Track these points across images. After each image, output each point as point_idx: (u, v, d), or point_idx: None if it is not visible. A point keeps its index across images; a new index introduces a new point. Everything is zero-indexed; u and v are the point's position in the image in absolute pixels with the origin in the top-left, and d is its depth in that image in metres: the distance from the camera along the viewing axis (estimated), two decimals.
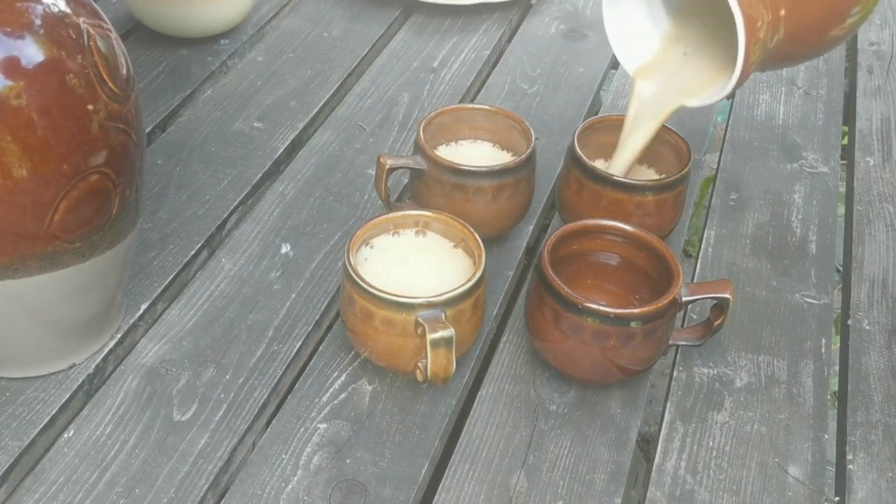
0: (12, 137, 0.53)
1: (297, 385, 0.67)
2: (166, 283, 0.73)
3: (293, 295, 0.73)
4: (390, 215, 0.68)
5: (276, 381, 0.67)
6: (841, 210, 0.87)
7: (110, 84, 0.57)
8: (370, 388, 0.67)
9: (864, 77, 1.04)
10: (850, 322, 0.75)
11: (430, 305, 0.61)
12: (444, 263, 0.67)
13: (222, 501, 0.59)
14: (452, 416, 0.66)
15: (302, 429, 0.63)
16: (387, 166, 0.72)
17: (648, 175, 0.79)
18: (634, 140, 0.75)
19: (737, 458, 0.64)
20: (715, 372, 0.70)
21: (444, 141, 0.78)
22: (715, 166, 0.91)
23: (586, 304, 0.62)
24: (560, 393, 0.67)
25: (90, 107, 0.55)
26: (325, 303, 0.72)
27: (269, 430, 0.64)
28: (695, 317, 0.74)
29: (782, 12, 0.69)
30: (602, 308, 0.62)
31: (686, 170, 0.74)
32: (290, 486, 0.60)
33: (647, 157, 0.78)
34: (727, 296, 0.66)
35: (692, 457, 0.64)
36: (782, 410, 0.67)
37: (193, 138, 0.87)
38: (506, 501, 0.60)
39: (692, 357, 0.71)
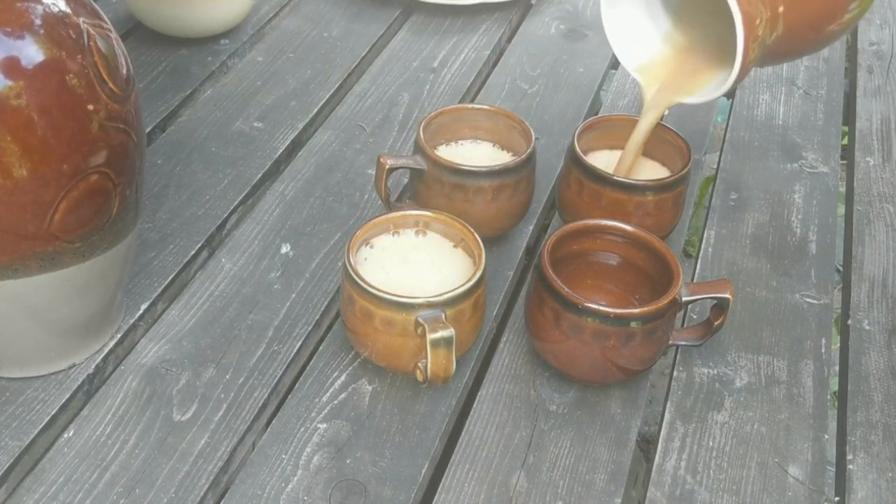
0: (12, 137, 0.53)
1: (297, 385, 0.67)
2: (166, 283, 0.73)
3: (293, 295, 0.73)
4: (390, 215, 0.68)
5: (276, 381, 0.67)
6: (841, 210, 0.87)
7: (110, 84, 0.57)
8: (370, 388, 0.67)
9: (864, 77, 1.04)
10: (850, 322, 0.75)
11: (430, 305, 0.61)
12: (444, 263, 0.67)
13: (222, 501, 0.59)
14: (452, 416, 0.66)
15: (302, 429, 0.63)
16: (387, 166, 0.72)
17: (658, 170, 0.79)
18: (634, 137, 0.75)
19: (737, 458, 0.64)
20: (715, 372, 0.70)
21: (444, 141, 0.78)
22: (715, 166, 0.91)
23: (586, 304, 0.62)
24: (560, 393, 0.67)
25: (90, 107, 0.55)
26: (325, 303, 0.72)
27: (269, 430, 0.64)
28: (695, 317, 0.74)
29: (780, 9, 0.69)
30: (602, 308, 0.62)
31: (686, 170, 0.74)
32: (290, 486, 0.60)
33: (655, 153, 0.78)
34: (727, 296, 0.66)
35: (692, 457, 0.64)
36: (782, 410, 0.67)
37: (193, 138, 0.87)
38: (506, 501, 0.60)
39: (692, 357, 0.71)
